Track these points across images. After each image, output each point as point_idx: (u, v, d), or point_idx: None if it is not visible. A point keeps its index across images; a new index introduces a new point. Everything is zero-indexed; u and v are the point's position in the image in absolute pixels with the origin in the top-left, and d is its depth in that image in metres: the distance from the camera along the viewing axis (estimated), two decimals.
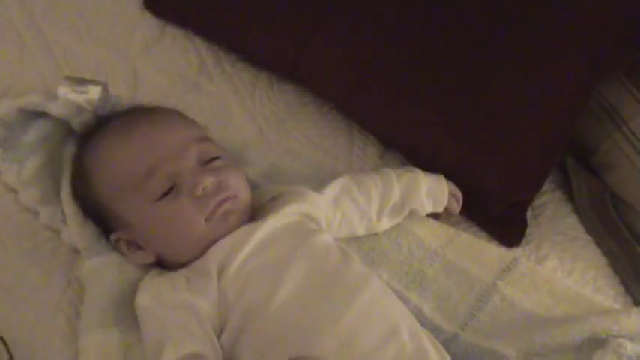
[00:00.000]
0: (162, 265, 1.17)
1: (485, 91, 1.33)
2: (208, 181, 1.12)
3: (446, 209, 1.34)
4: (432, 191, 1.31)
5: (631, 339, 1.21)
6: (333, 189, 1.26)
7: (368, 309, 1.09)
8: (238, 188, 1.17)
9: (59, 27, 1.48)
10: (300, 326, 1.06)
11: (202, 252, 1.14)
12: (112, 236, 1.16)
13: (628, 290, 1.37)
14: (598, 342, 1.20)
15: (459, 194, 1.34)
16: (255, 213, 1.22)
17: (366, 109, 1.41)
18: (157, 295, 1.09)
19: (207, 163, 1.16)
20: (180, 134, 1.17)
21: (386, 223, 1.30)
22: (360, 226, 1.28)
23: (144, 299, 1.10)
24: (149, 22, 1.50)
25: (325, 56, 1.40)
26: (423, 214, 1.32)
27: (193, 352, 1.02)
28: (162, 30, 1.50)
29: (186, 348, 1.02)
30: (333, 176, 1.29)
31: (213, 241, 1.13)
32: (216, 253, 1.12)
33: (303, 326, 1.06)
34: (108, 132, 1.19)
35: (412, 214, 1.32)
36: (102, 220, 1.18)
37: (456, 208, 1.34)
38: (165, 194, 1.12)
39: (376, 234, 1.31)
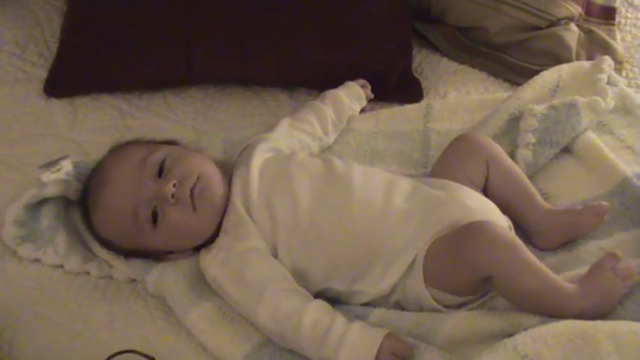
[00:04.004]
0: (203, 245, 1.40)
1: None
2: (170, 186, 1.31)
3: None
4: (351, 95, 1.63)
5: (536, 103, 1.56)
6: (282, 127, 1.54)
7: (365, 180, 1.38)
8: (197, 167, 1.35)
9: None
10: (333, 217, 1.34)
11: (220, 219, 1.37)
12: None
13: (512, 82, 1.75)
14: (518, 118, 1.56)
15: (366, 82, 1.67)
16: (235, 169, 1.43)
17: (258, 68, 1.71)
18: (222, 262, 1.33)
19: (161, 169, 1.34)
20: (127, 173, 1.34)
21: (332, 137, 1.61)
22: (314, 146, 1.57)
23: (214, 273, 1.33)
24: (60, 104, 1.71)
25: (211, 44, 1.68)
26: (358, 114, 1.64)
27: (286, 288, 1.28)
28: (72, 103, 1.71)
29: (276, 285, 1.27)
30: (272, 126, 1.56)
31: (218, 215, 1.36)
32: (235, 194, 1.36)
33: (335, 216, 1.34)
34: (88, 202, 1.38)
35: (349, 120, 1.63)
36: (136, 254, 1.40)
37: (370, 93, 1.67)
38: (155, 219, 1.34)
39: (329, 147, 1.60)
